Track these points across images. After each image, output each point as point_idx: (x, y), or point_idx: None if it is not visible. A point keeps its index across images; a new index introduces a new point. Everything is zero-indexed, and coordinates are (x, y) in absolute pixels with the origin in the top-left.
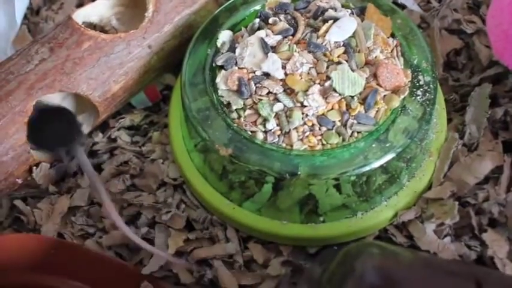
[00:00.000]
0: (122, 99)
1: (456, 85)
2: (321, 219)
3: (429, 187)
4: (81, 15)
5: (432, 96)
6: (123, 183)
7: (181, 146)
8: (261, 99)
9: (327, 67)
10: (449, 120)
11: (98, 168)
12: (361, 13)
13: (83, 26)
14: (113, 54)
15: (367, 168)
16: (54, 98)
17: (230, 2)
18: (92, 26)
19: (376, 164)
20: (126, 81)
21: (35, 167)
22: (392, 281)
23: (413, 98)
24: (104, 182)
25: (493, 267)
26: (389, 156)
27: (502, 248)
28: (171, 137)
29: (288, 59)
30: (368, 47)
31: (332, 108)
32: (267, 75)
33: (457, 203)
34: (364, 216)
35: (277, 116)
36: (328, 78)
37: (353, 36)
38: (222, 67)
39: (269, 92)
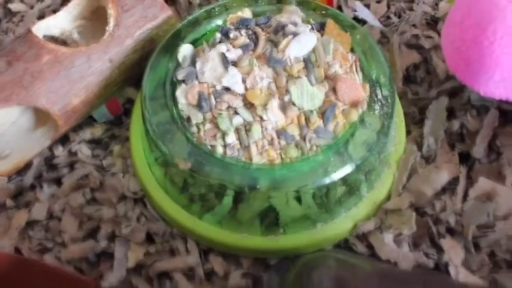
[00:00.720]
0: (83, 113)
1: (415, 98)
2: (281, 230)
3: (388, 198)
4: (42, 28)
5: (390, 110)
6: (83, 197)
7: (142, 159)
8: (221, 114)
9: (287, 81)
10: (408, 133)
11: (58, 182)
12: (321, 28)
13: (42, 39)
14: (73, 67)
15: (326, 180)
16: (13, 111)
17: (193, 16)
18: (54, 39)
19: (336, 177)
20: (87, 95)
21: None
22: None
23: (372, 111)
24: (64, 196)
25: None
26: (349, 169)
27: (457, 256)
28: (132, 151)
29: (248, 74)
30: (327, 62)
31: (291, 122)
32: (227, 89)
33: (414, 213)
34: (324, 227)
35: (236, 130)
36: (288, 92)
37: (312, 51)
38: (182, 81)
39: (229, 107)
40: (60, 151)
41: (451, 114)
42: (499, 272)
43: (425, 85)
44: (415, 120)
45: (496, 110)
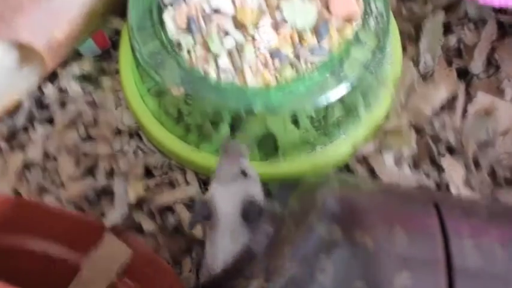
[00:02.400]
0: (68, 47)
1: (410, 15)
2: (281, 156)
3: (387, 119)
4: None
5: (385, 25)
6: (78, 134)
7: (134, 91)
8: (211, 36)
9: None
10: (404, 51)
11: (50, 121)
12: None
13: None
14: None
15: (323, 101)
16: None
17: None
18: None
19: (333, 97)
20: (71, 27)
21: None
22: (353, 209)
23: (367, 27)
24: (58, 135)
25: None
26: (345, 88)
27: (458, 174)
28: (123, 83)
29: None
30: None
31: (284, 41)
32: (216, 11)
33: (414, 132)
34: (323, 150)
35: (229, 53)
36: (279, 9)
37: None
38: (170, 5)
39: (219, 28)
40: (49, 89)
41: (447, 29)
42: (500, 190)
43: (420, 0)
44: (410, 38)
45: (494, 23)
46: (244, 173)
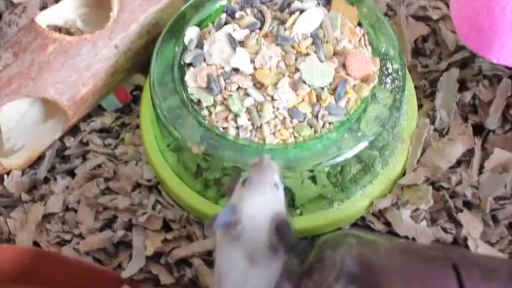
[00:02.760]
0: (91, 102)
1: (425, 71)
2: (298, 211)
3: (403, 174)
4: (45, 18)
5: (401, 84)
6: (98, 187)
7: (154, 146)
8: (231, 95)
9: (296, 59)
10: (420, 106)
11: (71, 173)
12: (327, 3)
13: (47, 29)
14: (79, 56)
15: (340, 158)
16: (22, 104)
17: None
18: (57, 29)
19: (350, 154)
20: (94, 83)
21: (6, 176)
22: (371, 269)
23: (383, 86)
24: (78, 187)
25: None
26: (362, 145)
27: (476, 229)
28: (144, 138)
29: (257, 53)
30: (336, 37)
31: (302, 100)
32: (236, 70)
33: (430, 187)
34: (340, 206)
35: (248, 111)
36: (297, 70)
37: (320, 27)
38: (190, 64)
39: (239, 87)
40: (71, 142)
41: (462, 85)
42: None
43: (435, 57)
44: (426, 94)
45: (508, 79)
46: (276, 186)
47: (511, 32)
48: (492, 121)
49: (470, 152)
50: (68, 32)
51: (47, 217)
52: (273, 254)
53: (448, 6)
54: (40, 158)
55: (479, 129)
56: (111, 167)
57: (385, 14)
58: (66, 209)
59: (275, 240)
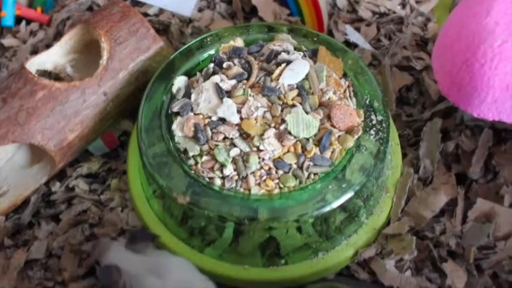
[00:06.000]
0: (79, 148)
1: (409, 120)
2: (283, 261)
3: (388, 223)
4: (35, 63)
5: (385, 135)
6: (82, 233)
7: (140, 192)
8: (218, 145)
9: (282, 110)
10: (404, 155)
11: (56, 218)
12: (313, 55)
13: (36, 75)
14: (68, 102)
15: (326, 208)
16: (9, 148)
17: (185, 46)
18: (47, 74)
19: (335, 204)
20: (82, 129)
21: None
22: None
23: (367, 137)
24: (62, 233)
25: None
26: (348, 195)
27: (460, 279)
28: (130, 184)
29: (243, 104)
30: (321, 89)
31: (288, 151)
32: (222, 120)
33: (414, 238)
34: (325, 256)
35: (234, 161)
36: (283, 121)
37: (306, 78)
38: (178, 113)
39: (225, 137)
40: (57, 187)
41: (445, 135)
42: None
43: (419, 106)
44: (410, 143)
45: (490, 130)
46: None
47: (489, 89)
48: (475, 171)
49: (453, 202)
50: (58, 77)
51: (29, 263)
52: None
53: (430, 56)
54: (25, 202)
55: (462, 178)
56: (96, 213)
57: (370, 64)
58: (50, 255)
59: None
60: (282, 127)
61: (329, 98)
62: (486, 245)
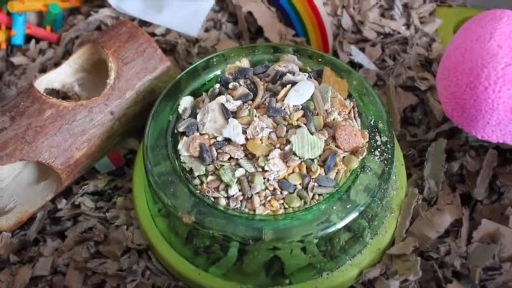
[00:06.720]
0: (85, 166)
1: (414, 140)
2: (287, 281)
3: (392, 243)
4: (43, 82)
5: (390, 156)
6: (88, 250)
7: (145, 211)
8: (223, 165)
9: (287, 131)
10: (409, 176)
11: (61, 235)
12: (318, 76)
13: (44, 94)
14: (75, 121)
15: (331, 229)
16: (16, 165)
17: (192, 66)
18: (55, 92)
19: (340, 225)
20: (89, 147)
21: None
22: None
23: (372, 158)
24: (68, 250)
25: None
26: (352, 216)
27: None
28: (135, 202)
29: (249, 124)
30: (326, 110)
31: (293, 172)
32: (228, 140)
33: (419, 258)
34: (329, 276)
35: (239, 181)
36: (288, 142)
37: (311, 99)
38: (183, 133)
39: (230, 158)
40: (63, 204)
41: (450, 155)
42: None
43: (423, 126)
44: (415, 163)
45: (494, 150)
46: None
47: (493, 111)
48: (479, 191)
49: (458, 222)
50: (66, 96)
51: (34, 280)
52: None
53: (435, 77)
54: (31, 218)
55: (467, 199)
56: (102, 231)
57: (375, 84)
58: (55, 272)
59: None
60: (287, 148)
61: (334, 119)
62: (491, 266)
